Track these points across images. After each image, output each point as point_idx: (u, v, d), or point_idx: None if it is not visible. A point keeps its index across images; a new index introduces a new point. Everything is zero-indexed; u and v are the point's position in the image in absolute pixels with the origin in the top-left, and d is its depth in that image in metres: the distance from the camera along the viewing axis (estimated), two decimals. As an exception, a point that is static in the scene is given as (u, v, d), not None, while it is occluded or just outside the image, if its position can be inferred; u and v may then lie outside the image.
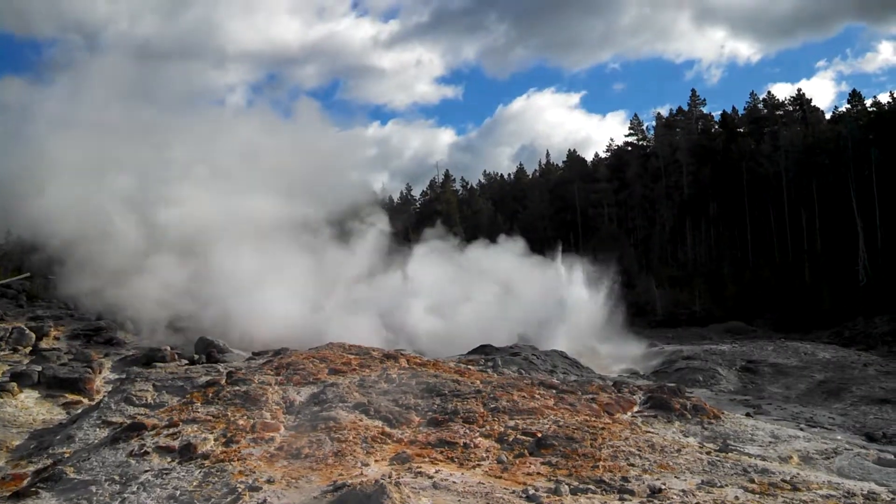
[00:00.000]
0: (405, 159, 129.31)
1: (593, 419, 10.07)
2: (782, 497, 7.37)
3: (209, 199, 25.65)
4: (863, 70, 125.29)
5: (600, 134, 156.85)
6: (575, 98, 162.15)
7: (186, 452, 8.37)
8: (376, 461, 8.20)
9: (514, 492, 7.28)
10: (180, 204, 25.02)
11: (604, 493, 7.36)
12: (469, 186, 69.50)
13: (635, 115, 73.51)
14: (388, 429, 9.40)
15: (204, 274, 22.65)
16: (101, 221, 23.82)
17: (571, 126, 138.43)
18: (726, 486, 7.64)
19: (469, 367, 14.77)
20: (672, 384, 14.83)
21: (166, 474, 7.83)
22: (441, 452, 8.54)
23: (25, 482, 8.30)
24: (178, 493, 7.33)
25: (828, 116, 49.93)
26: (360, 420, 9.58)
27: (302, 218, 26.61)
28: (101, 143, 27.04)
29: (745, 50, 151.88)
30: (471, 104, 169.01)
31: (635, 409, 11.50)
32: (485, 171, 75.54)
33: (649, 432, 9.73)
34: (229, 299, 21.54)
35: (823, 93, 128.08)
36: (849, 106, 46.39)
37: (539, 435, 9.06)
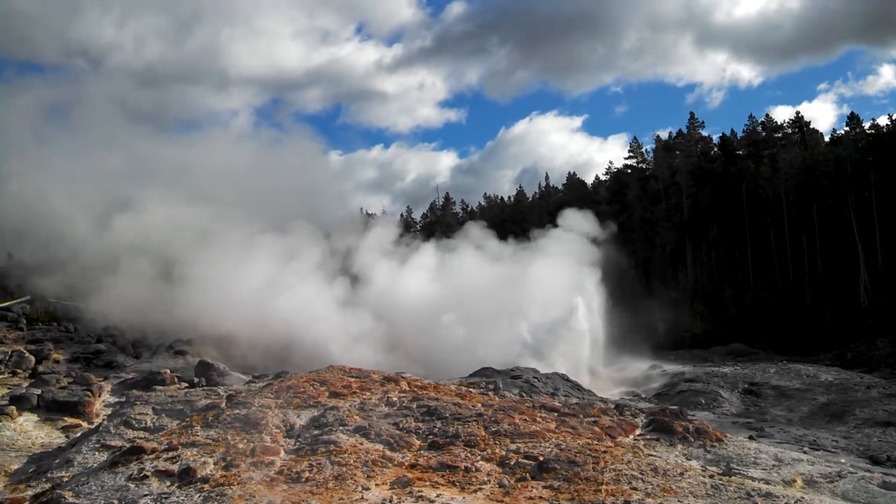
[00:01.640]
0: (407, 182, 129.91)
1: (595, 442, 10.01)
2: (787, 521, 7.31)
3: (175, 208, 26.96)
4: (864, 93, 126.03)
5: (602, 157, 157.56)
6: (577, 121, 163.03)
7: (186, 476, 8.31)
8: (377, 485, 8.14)
9: (515, 516, 7.22)
10: (142, 212, 26.39)
11: (606, 517, 7.30)
12: (469, 209, 69.66)
13: (635, 138, 73.79)
14: (388, 452, 9.34)
15: (172, 275, 23.83)
16: (50, 215, 25.31)
17: (573, 149, 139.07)
18: (730, 509, 7.57)
19: (470, 389, 14.71)
20: (674, 407, 14.76)
21: (165, 498, 7.77)
22: (442, 476, 8.48)
23: (23, 507, 8.25)
24: (177, 517, 7.28)
25: (828, 139, 50.11)
26: (361, 443, 9.53)
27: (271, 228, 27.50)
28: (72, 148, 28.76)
29: (747, 73, 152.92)
30: (473, 127, 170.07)
31: (637, 432, 11.43)
32: (485, 194, 75.68)
33: (651, 455, 9.66)
34: (197, 296, 22.69)
35: (825, 115, 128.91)
36: (847, 129, 46.61)
37: (541, 458, 8.99)
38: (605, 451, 9.40)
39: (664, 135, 57.37)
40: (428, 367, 21.35)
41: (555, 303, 26.77)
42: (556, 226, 33.67)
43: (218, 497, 7.65)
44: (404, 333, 24.68)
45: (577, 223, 32.86)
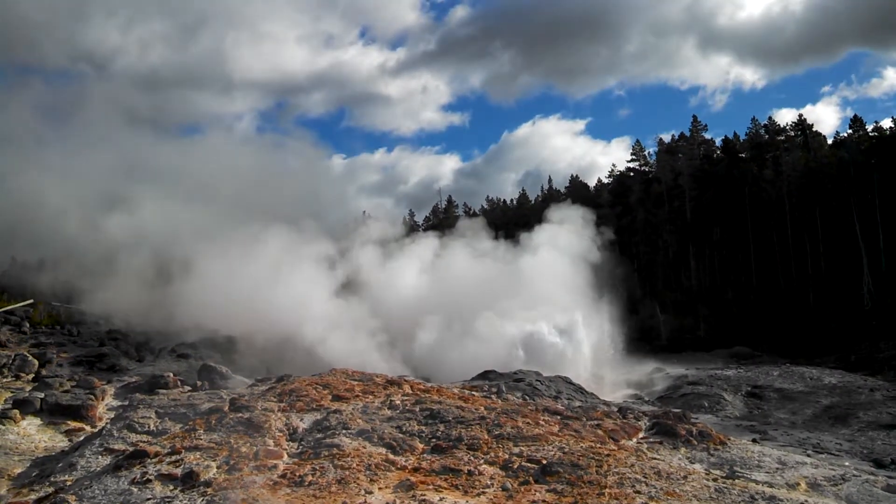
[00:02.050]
0: (410, 185, 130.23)
1: (598, 445, 9.99)
2: (791, 525, 7.28)
3: (173, 208, 27.52)
4: (868, 95, 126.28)
5: (605, 160, 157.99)
6: (580, 124, 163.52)
7: (189, 480, 8.30)
8: (380, 489, 8.13)
9: (519, 520, 7.20)
10: (140, 211, 26.93)
11: (610, 520, 7.28)
12: (472, 212, 69.67)
13: (637, 141, 73.93)
14: (391, 456, 9.33)
15: (171, 275, 24.22)
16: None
17: (577, 152, 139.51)
18: (734, 513, 7.55)
19: (473, 392, 14.70)
20: (677, 410, 14.72)
21: (168, 502, 7.77)
22: (445, 480, 8.47)
23: (27, 511, 8.25)
24: (181, 521, 7.28)
25: (831, 142, 50.11)
26: (364, 447, 9.52)
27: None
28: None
29: (750, 76, 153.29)
30: (476, 131, 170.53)
31: (641, 435, 11.41)
32: (487, 197, 75.72)
33: (655, 459, 9.64)
34: (196, 295, 23.24)
35: (828, 118, 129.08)
36: (850, 131, 46.60)
37: (544, 462, 8.98)
38: (608, 455, 9.38)
39: (667, 138, 57.39)
40: (418, 367, 21.48)
41: (550, 302, 26.68)
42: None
43: (221, 501, 7.65)
44: (396, 332, 24.79)
45: (570, 217, 32.76)
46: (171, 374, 16.56)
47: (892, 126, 43.56)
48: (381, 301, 26.44)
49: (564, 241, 30.46)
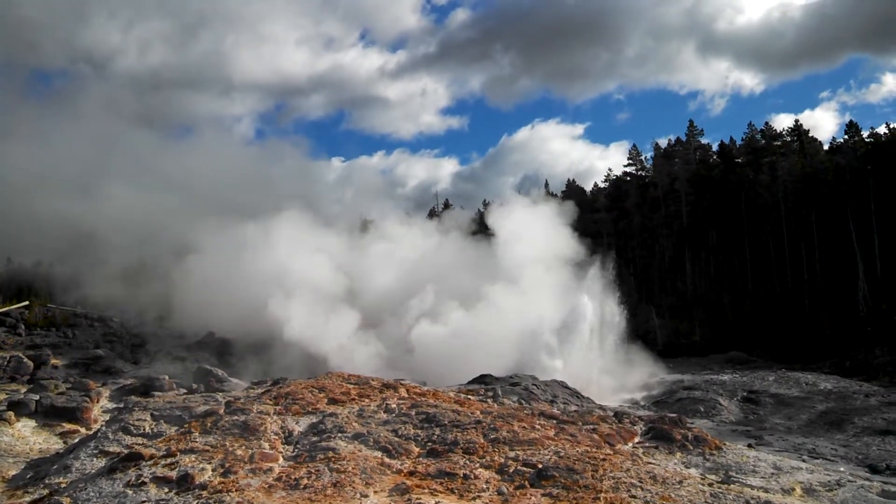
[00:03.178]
0: (409, 188, 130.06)
1: (594, 450, 9.99)
2: (786, 530, 7.28)
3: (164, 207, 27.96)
4: (866, 101, 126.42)
5: (603, 164, 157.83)
6: (579, 129, 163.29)
7: (184, 483, 8.29)
8: (375, 492, 8.12)
9: (514, 524, 7.19)
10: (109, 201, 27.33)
11: (605, 525, 7.27)
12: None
13: (634, 146, 73.96)
14: (387, 459, 9.32)
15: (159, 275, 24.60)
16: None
17: (575, 156, 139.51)
18: (729, 518, 7.55)
19: (469, 396, 14.69)
20: (673, 414, 14.73)
21: (163, 505, 7.75)
22: (441, 483, 8.46)
23: (21, 513, 8.22)
24: (175, 524, 7.25)
25: (828, 147, 50.20)
26: (360, 450, 9.51)
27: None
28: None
29: (749, 81, 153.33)
30: (475, 134, 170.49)
31: (636, 439, 11.42)
32: (484, 201, 75.71)
33: (651, 463, 9.65)
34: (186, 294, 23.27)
35: (827, 123, 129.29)
36: (846, 137, 46.72)
37: (540, 466, 8.98)
38: (603, 459, 9.38)
39: (664, 142, 57.51)
40: (402, 367, 21.54)
41: (527, 300, 26.64)
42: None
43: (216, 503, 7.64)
44: (378, 328, 24.85)
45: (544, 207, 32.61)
46: (167, 377, 16.57)
47: (888, 132, 43.66)
48: (369, 292, 26.55)
49: (538, 231, 30.27)
